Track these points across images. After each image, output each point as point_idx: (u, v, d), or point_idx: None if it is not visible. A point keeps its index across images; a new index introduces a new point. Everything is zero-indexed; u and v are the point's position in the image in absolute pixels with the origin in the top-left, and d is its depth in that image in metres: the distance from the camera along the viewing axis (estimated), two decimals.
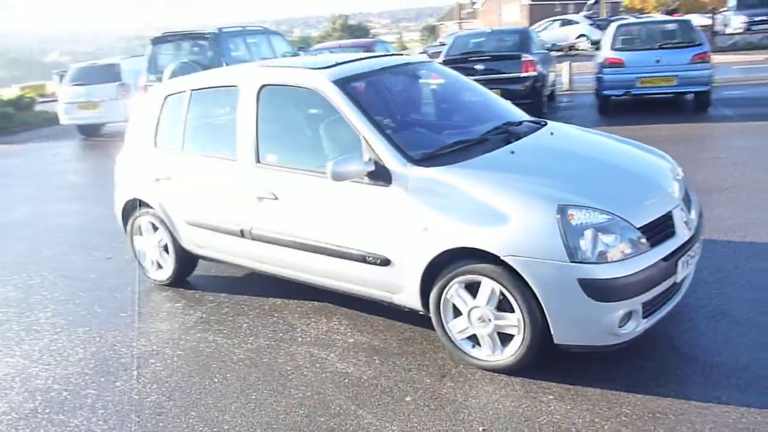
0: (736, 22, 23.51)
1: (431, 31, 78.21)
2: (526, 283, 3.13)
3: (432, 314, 3.54)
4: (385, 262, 3.58)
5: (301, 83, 4.00)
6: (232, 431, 3.11)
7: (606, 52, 11.00)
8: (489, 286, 3.28)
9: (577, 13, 41.25)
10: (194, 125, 4.60)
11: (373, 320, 4.13)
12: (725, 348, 3.45)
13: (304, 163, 3.92)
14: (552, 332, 3.16)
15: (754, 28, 22.63)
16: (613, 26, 11.56)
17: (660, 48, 10.60)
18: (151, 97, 4.95)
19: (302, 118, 4.24)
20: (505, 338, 3.36)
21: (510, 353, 3.33)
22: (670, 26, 11.38)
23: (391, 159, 3.51)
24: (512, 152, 3.71)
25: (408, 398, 3.26)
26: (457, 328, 3.47)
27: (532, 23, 47.15)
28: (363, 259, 3.66)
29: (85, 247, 6.20)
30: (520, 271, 3.11)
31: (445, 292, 3.43)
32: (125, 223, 5.10)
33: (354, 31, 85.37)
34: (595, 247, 3.04)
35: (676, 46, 10.61)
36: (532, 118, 4.39)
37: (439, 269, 3.42)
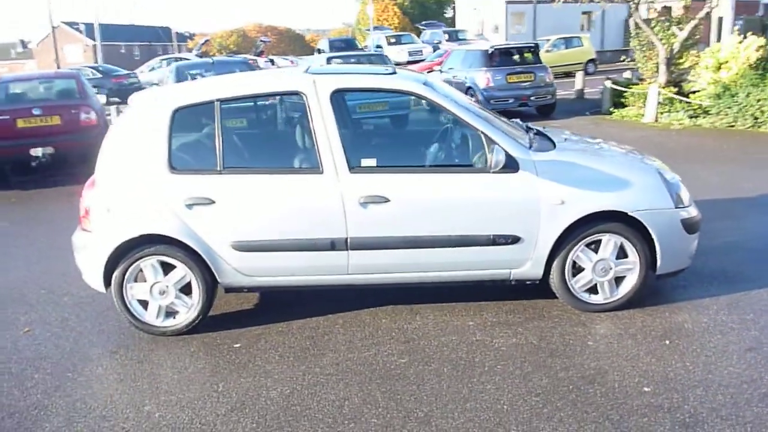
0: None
1: None
2: (642, 231, 4.08)
3: (555, 275, 4.16)
4: (515, 240, 4.06)
5: (395, 87, 4.11)
6: (515, 412, 3.24)
7: None
8: (611, 241, 4.11)
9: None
10: (235, 140, 4.11)
11: (459, 307, 4.44)
12: (709, 261, 4.98)
13: (420, 162, 4.06)
14: (658, 265, 4.17)
15: None
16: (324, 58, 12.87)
17: None
18: (147, 114, 4.12)
19: (393, 119, 4.29)
20: (617, 282, 4.23)
21: (624, 292, 4.21)
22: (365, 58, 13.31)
23: (515, 149, 4.02)
24: (566, 139, 4.59)
25: (590, 343, 3.87)
26: (579, 282, 4.19)
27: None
28: (492, 241, 4.05)
29: None
30: (644, 222, 4.04)
31: (571, 254, 4.12)
32: (109, 273, 4.11)
33: None
34: (681, 196, 4.19)
35: None
36: None
37: (565, 236, 4.08)
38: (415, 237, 4.04)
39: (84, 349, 4.14)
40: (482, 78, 13.30)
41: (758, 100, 10.82)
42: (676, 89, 12.93)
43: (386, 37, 30.02)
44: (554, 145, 4.33)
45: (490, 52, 13.53)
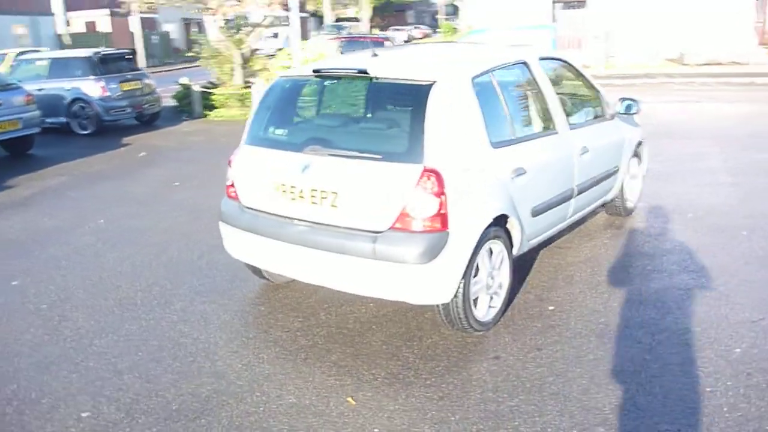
0: None
1: None
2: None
3: (620, 194, 5.70)
4: (617, 171, 5.44)
5: (562, 57, 4.81)
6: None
7: None
8: (635, 160, 5.92)
9: None
10: (511, 109, 4.07)
11: (562, 243, 5.43)
12: None
13: (585, 118, 4.94)
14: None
15: None
16: None
17: None
18: (451, 87, 3.56)
19: (567, 84, 4.83)
20: None
21: (637, 197, 6.09)
22: None
23: None
24: None
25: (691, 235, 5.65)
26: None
27: None
28: (613, 172, 5.32)
29: None
30: (643, 145, 5.99)
31: (627, 176, 5.74)
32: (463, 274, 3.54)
33: None
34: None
35: (6, 88, 9.81)
36: None
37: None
38: (596, 177, 4.95)
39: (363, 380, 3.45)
40: (95, 87, 11.86)
41: None
42: (248, 88, 14.44)
43: None
44: None
45: (95, 58, 12.13)
